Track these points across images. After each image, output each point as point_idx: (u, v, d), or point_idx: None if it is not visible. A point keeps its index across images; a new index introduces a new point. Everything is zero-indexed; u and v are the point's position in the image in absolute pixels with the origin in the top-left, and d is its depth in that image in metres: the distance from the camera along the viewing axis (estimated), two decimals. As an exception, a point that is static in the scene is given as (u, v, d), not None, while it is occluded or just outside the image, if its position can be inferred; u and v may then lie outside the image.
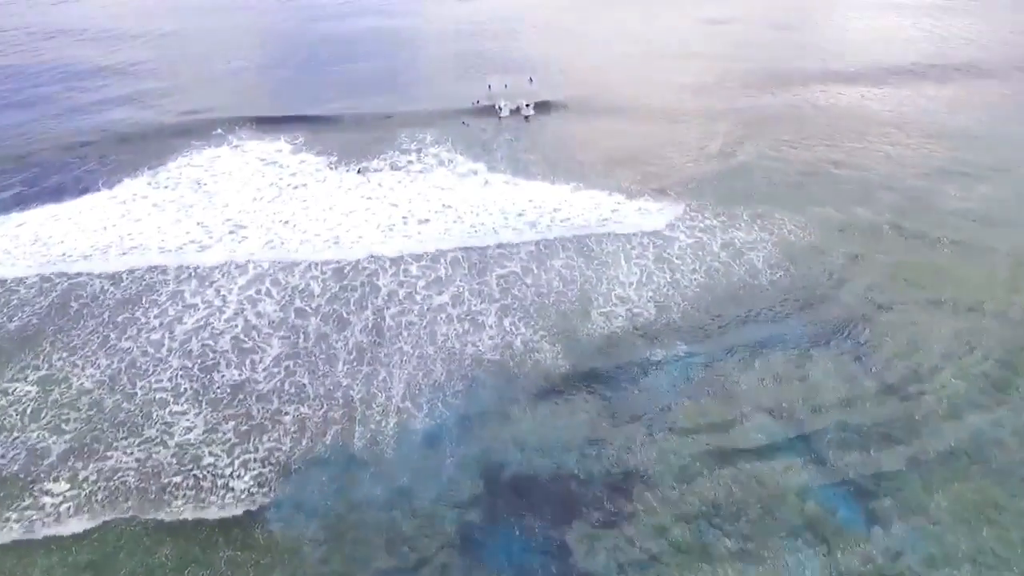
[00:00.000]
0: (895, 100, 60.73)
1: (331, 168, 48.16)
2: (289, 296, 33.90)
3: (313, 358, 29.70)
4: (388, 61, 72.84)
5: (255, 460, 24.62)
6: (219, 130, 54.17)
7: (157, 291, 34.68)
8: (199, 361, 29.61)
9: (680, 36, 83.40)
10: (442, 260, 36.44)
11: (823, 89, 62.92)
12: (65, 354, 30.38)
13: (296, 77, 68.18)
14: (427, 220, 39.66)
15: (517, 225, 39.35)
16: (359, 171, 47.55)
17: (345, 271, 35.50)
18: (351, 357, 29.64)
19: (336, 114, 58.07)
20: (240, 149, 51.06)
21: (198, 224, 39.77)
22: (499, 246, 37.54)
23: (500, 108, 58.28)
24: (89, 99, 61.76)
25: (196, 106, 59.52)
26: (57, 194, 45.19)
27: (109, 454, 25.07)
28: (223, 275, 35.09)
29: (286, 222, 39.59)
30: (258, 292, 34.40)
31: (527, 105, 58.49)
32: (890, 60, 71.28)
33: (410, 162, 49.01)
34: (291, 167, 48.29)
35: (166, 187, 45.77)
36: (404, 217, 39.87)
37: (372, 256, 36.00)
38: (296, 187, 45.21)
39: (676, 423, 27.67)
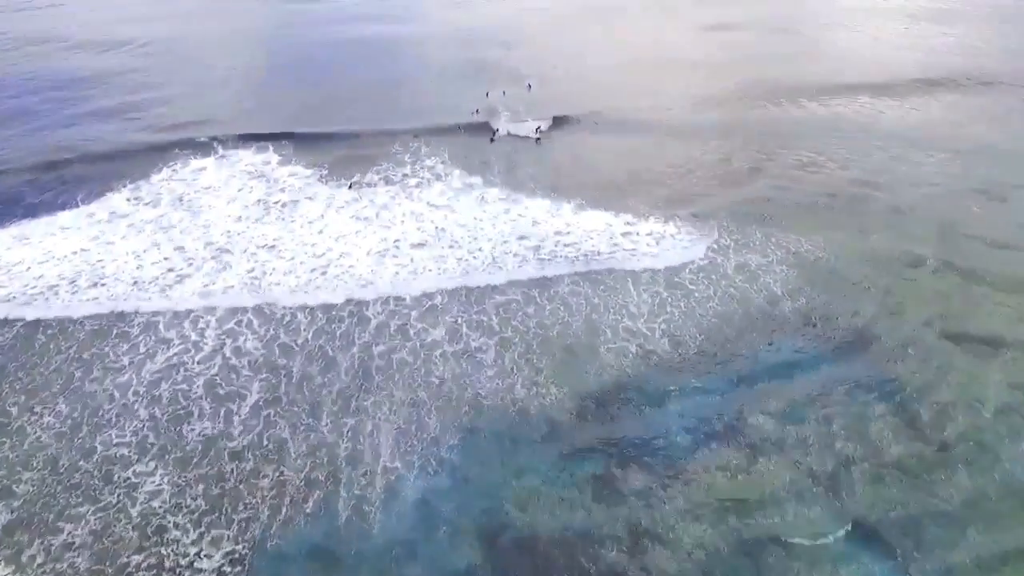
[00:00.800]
0: (908, 112, 57.39)
1: (322, 182, 44.86)
2: (273, 330, 30.69)
3: (295, 408, 26.47)
4: (382, 69, 69.05)
5: (228, 536, 21.41)
6: (204, 139, 50.83)
7: (129, 322, 31.47)
8: (168, 410, 26.38)
9: (683, 44, 79.49)
10: (437, 288, 33.22)
11: (833, 100, 59.46)
12: (23, 397, 27.20)
13: (288, 86, 64.58)
14: (422, 244, 36.36)
15: (518, 250, 36.08)
16: (350, 186, 44.25)
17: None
18: (336, 407, 26.42)
19: (328, 124, 54.68)
20: (227, 161, 47.74)
21: (177, 249, 36.45)
22: (498, 272, 34.24)
23: (496, 131, 53.27)
24: (71, 110, 58.24)
25: (182, 117, 56.10)
26: (32, 211, 41.91)
27: (61, 525, 21.88)
28: (201, 307, 31.76)
29: (271, 247, 36.29)
30: (239, 324, 31.19)
31: (537, 128, 53.19)
32: (900, 69, 67.59)
33: (405, 175, 45.74)
34: (280, 181, 44.99)
35: (147, 203, 42.49)
36: (396, 241, 36.53)
37: (361, 286, 32.65)
38: (284, 204, 41.90)
39: (692, 475, 24.65)
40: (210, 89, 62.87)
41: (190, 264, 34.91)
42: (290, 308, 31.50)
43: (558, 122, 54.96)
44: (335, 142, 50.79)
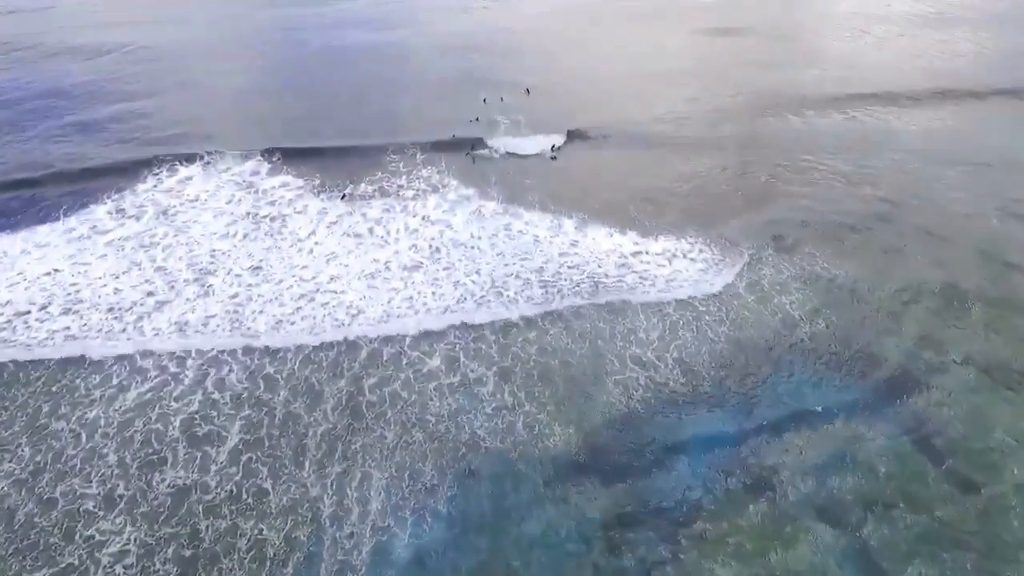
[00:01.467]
0: (923, 122, 54.39)
1: (313, 193, 42.34)
2: (258, 359, 28.20)
3: (278, 452, 24.02)
4: (376, 77, 65.83)
5: (198, 608, 19.02)
6: (192, 149, 48.09)
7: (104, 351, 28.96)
8: (140, 454, 23.92)
9: (688, 50, 76.32)
10: (433, 314, 30.70)
11: (844, 110, 56.52)
12: (-14, 439, 24.72)
13: (280, 94, 61.51)
14: (417, 266, 33.81)
15: (519, 271, 33.55)
16: (343, 197, 41.76)
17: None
18: (322, 451, 23.97)
19: (319, 132, 52.05)
20: (215, 171, 45.13)
21: (158, 270, 33.91)
22: (498, 296, 31.73)
23: (490, 149, 49.21)
24: (57, 119, 55.38)
25: (170, 126, 53.27)
26: (9, 226, 39.32)
27: (14, 594, 19.47)
28: (180, 336, 29.22)
29: (257, 268, 33.73)
30: (222, 352, 28.71)
31: (553, 146, 49.36)
32: (910, 77, 64.48)
33: (400, 187, 43.22)
34: (269, 193, 42.43)
35: (131, 216, 39.96)
36: (387, 263, 33.97)
37: (352, 315, 30.08)
38: (274, 219, 39.37)
39: (707, 525, 22.38)
40: (199, 98, 59.99)
41: (171, 287, 32.36)
42: (275, 337, 28.97)
43: (554, 127, 51.98)
44: (327, 152, 48.14)
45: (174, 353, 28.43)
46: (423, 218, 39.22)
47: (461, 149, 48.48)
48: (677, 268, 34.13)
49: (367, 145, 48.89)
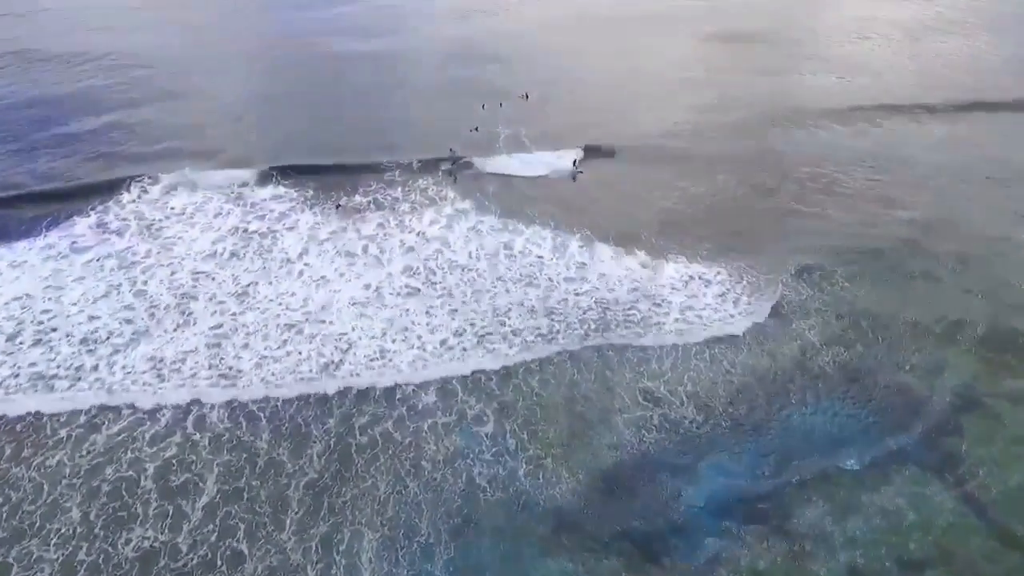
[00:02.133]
0: (947, 136, 50.70)
1: (306, 207, 39.80)
2: (240, 399, 25.71)
3: (257, 506, 21.61)
4: (371, 86, 62.06)
5: None
6: (181, 158, 45.46)
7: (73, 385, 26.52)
8: (107, 509, 21.53)
9: (697, 56, 72.40)
10: (429, 347, 28.21)
11: (865, 123, 52.97)
12: (-61, 489, 22.31)
13: (272, 103, 58.07)
14: (413, 293, 31.31)
15: (522, 298, 31.10)
16: (338, 207, 39.44)
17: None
18: (304, 508, 21.54)
19: (314, 143, 49.28)
20: (204, 183, 42.35)
21: (138, 295, 31.42)
22: (499, 327, 29.25)
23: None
24: (43, 130, 52.28)
25: (157, 137, 49.93)
26: (-13, 243, 36.81)
27: None
28: (155, 376, 26.72)
29: (243, 294, 31.22)
30: (201, 393, 26.17)
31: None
32: (929, 87, 60.42)
33: (395, 199, 40.78)
34: (259, 207, 39.79)
35: (113, 231, 37.43)
36: (380, 289, 31.46)
37: (342, 349, 27.58)
38: (264, 235, 36.89)
39: (728, 578, 20.10)
40: (186, 108, 56.33)
41: (151, 315, 29.85)
42: (259, 373, 26.46)
43: (555, 139, 48.70)
44: (321, 164, 45.45)
45: (150, 391, 25.93)
46: (419, 234, 36.80)
47: (458, 163, 45.58)
48: (693, 293, 31.69)
49: (363, 157, 46.32)
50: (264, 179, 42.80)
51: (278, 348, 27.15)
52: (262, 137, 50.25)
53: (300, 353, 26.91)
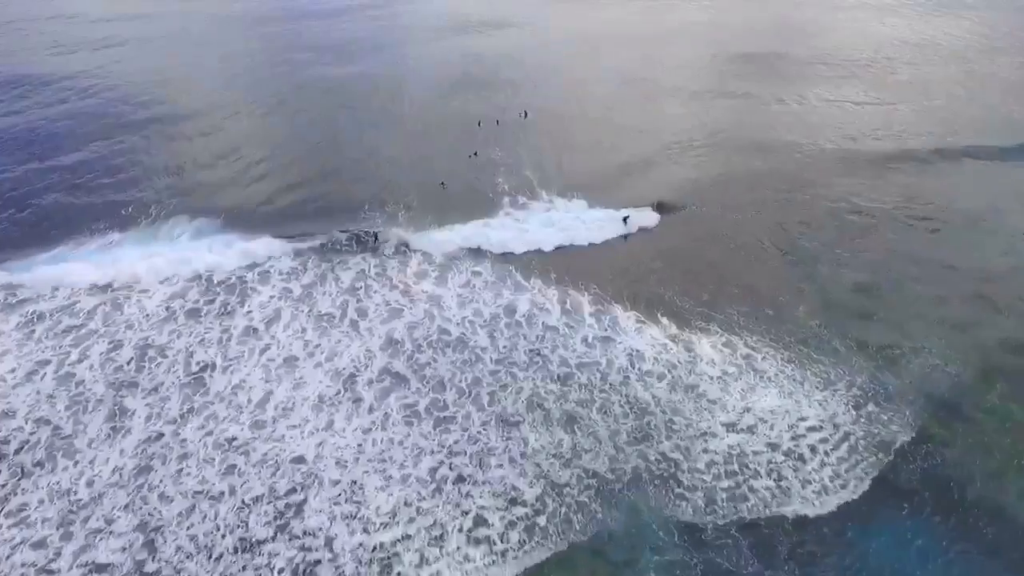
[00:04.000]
0: (1002, 183, 42.30)
1: (285, 256, 33.44)
2: (162, 556, 19.62)
3: None
4: (356, 111, 53.21)
5: None
6: (142, 204, 38.40)
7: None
8: None
9: (711, 76, 62.61)
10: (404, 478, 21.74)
11: (917, 167, 43.93)
12: None
13: (253, 133, 49.09)
14: (392, 387, 24.88)
15: (535, 387, 24.76)
16: (321, 246, 33.50)
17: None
18: None
19: (297, 175, 42.29)
20: (162, 233, 35.59)
21: (64, 379, 25.35)
22: (503, 450, 22.83)
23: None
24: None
25: (119, 179, 42.07)
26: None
27: None
28: (67, 513, 20.60)
29: (192, 382, 25.01)
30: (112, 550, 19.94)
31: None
32: (977, 128, 49.93)
33: (384, 242, 34.41)
34: (226, 265, 32.69)
35: (56, 290, 30.81)
36: (354, 380, 25.04)
37: (291, 484, 21.22)
38: (231, 288, 30.90)
39: None
40: (145, 147, 47.23)
41: (72, 416, 23.61)
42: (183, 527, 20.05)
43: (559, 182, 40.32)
44: (304, 199, 38.62)
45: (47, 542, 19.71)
46: (404, 289, 30.58)
47: (454, 199, 38.78)
48: (749, 384, 25.07)
49: (349, 190, 39.63)
50: (230, 228, 35.67)
51: (214, 483, 20.62)
52: (232, 176, 42.75)
53: (248, 477, 20.51)
